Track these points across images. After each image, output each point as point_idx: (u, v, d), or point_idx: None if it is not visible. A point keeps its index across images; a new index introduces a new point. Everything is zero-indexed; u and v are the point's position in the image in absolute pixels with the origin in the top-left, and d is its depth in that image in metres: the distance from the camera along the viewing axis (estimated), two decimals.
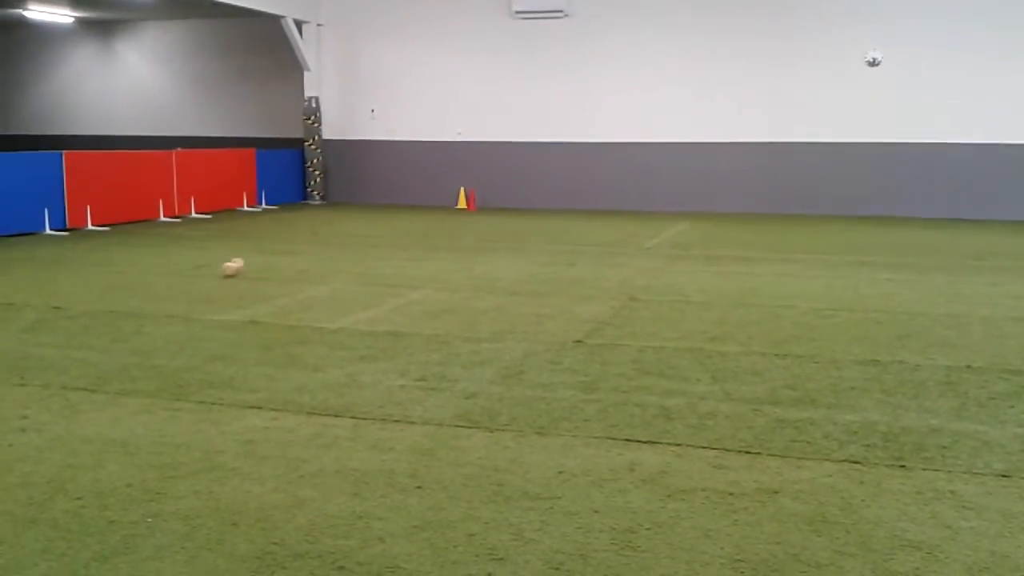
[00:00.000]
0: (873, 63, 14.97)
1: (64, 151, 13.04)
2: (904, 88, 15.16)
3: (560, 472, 3.73)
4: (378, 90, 18.07)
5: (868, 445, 4.06)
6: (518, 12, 16.85)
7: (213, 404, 4.67)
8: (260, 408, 4.61)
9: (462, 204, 17.41)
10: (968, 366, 5.44)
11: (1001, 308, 7.33)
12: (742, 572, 2.88)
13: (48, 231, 12.39)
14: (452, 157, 17.70)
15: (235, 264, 8.89)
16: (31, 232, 12.24)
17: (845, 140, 15.58)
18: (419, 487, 3.57)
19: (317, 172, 18.37)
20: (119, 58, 21.16)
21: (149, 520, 3.23)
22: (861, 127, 15.47)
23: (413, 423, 4.37)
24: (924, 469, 3.78)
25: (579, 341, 6.11)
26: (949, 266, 9.74)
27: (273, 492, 3.51)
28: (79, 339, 6.15)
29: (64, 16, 19.98)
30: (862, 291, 8.18)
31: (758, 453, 3.98)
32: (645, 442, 4.10)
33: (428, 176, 17.90)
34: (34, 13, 19.15)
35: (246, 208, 16.57)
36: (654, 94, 16.49)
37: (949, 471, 3.75)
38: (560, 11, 16.65)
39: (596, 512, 3.33)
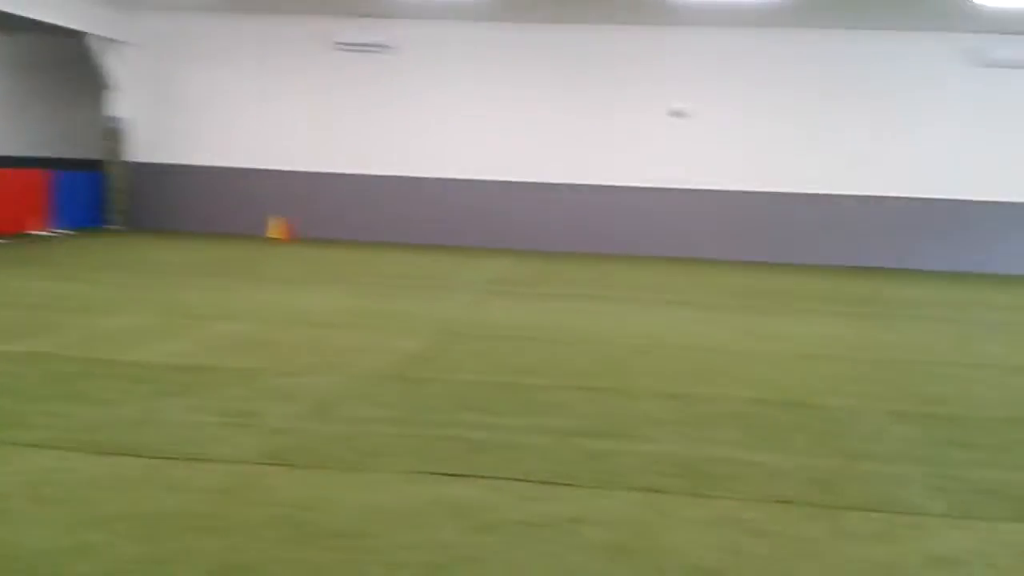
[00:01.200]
0: (679, 114, 15.86)
1: None
2: (706, 139, 16.18)
3: (369, 509, 3.67)
4: (193, 113, 17.38)
5: (665, 474, 4.25)
6: (340, 44, 16.75)
7: None
8: (45, 447, 4.27)
9: (275, 233, 16.96)
10: (757, 399, 5.81)
11: (789, 345, 7.90)
12: None
13: None
14: (269, 186, 17.23)
15: None
16: None
17: (658, 186, 16.39)
18: (217, 529, 3.41)
19: (120, 196, 17.38)
20: None
21: None
22: (673, 173, 16.34)
23: (214, 461, 4.18)
24: (716, 497, 3.99)
25: (394, 375, 6.07)
26: (746, 307, 10.41)
27: (59, 536, 3.26)
28: None
29: None
30: (669, 328, 8.60)
31: (565, 484, 4.08)
32: (456, 475, 4.11)
33: (243, 204, 17.32)
34: None
35: (37, 233, 15.41)
36: (472, 131, 16.75)
37: (739, 499, 3.98)
38: (383, 45, 16.69)
39: (405, 548, 3.30)
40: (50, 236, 15.29)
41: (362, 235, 17.04)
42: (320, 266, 12.88)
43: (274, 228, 16.96)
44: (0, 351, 6.29)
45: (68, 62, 17.91)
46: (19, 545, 3.17)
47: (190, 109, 17.38)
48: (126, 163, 17.35)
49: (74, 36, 16.10)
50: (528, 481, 4.09)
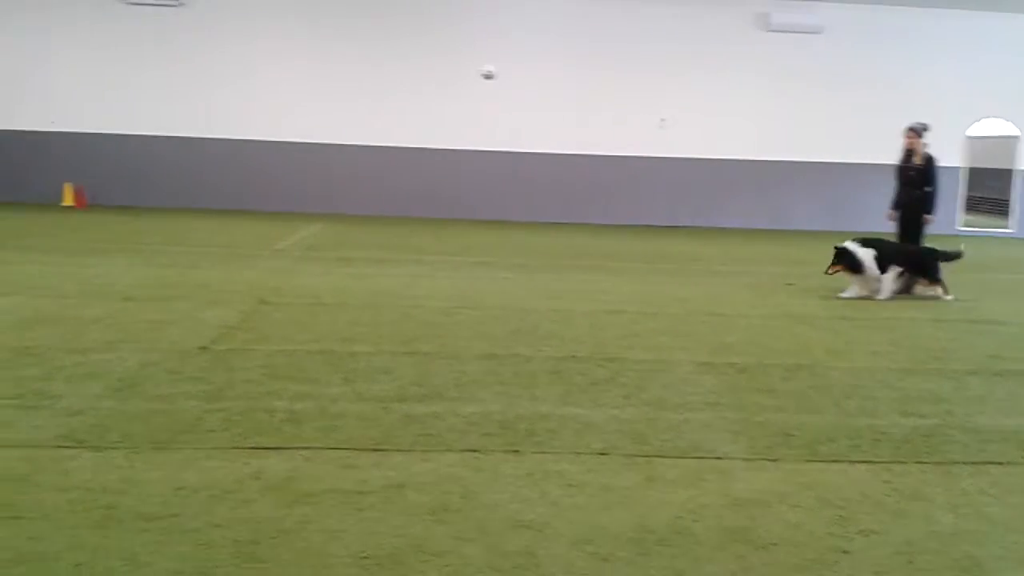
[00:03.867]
0: (488, 76, 15.95)
1: None
2: (517, 102, 16.36)
3: (179, 488, 3.51)
4: None
5: (486, 434, 4.31)
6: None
7: None
8: None
9: (68, 201, 15.78)
10: (572, 356, 5.99)
11: (599, 302, 8.18)
12: (367, 569, 2.92)
13: None
14: (54, 149, 15.97)
15: None
16: None
17: (466, 148, 16.45)
18: (14, 517, 3.17)
19: None
20: None
21: None
22: (477, 136, 16.43)
23: (6, 446, 3.87)
24: (534, 452, 4.10)
25: (204, 348, 5.81)
26: (557, 266, 10.68)
27: None
28: None
29: None
30: (483, 290, 8.69)
31: (386, 450, 4.06)
32: (272, 448, 4.00)
33: (24, 169, 15.99)
34: None
35: None
36: (271, 90, 16.15)
37: (556, 453, 4.10)
38: (172, 1, 15.77)
39: (218, 526, 3.18)
40: None
41: (162, 201, 16.14)
42: (118, 235, 12.10)
43: (68, 195, 15.76)
44: None
45: None
46: None
47: None
48: None
49: None
50: (348, 449, 4.04)
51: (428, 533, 3.20)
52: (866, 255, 8.89)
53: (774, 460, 4.15)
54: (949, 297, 9.01)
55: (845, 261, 8.93)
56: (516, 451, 4.10)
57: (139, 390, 4.82)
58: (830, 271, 9.07)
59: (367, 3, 16.24)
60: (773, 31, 16.41)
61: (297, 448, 4.02)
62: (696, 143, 16.70)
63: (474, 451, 4.08)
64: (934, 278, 9.12)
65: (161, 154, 16.18)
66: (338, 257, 10.69)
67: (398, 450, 4.06)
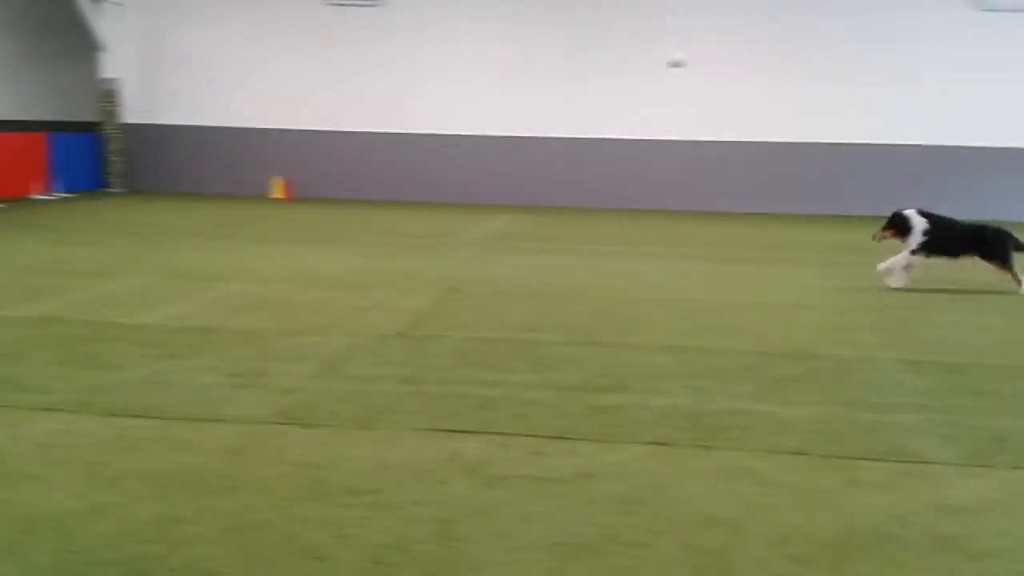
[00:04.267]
0: (677, 64, 15.69)
1: None
2: (706, 90, 16.02)
3: (381, 466, 3.69)
4: (184, 73, 17.20)
5: (675, 427, 4.26)
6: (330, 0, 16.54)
7: (4, 406, 4.30)
8: (56, 410, 4.28)
9: (277, 194, 16.90)
10: (762, 350, 5.81)
11: (789, 295, 7.89)
12: (559, 555, 2.95)
13: None
14: (266, 145, 17.13)
15: None
16: None
17: (662, 138, 16.27)
18: (232, 488, 3.43)
19: (117, 158, 17.28)
20: None
21: None
22: (673, 126, 16.21)
23: (225, 422, 4.20)
24: (726, 449, 4.01)
25: (401, 333, 6.07)
26: (744, 258, 10.37)
27: (72, 498, 3.27)
28: None
29: None
30: (672, 281, 8.58)
31: (574, 439, 4.09)
32: (466, 432, 4.13)
33: (240, 164, 17.25)
34: None
35: (38, 196, 15.35)
36: (470, 86, 16.61)
37: (748, 450, 3.99)
38: (373, 1, 16.49)
39: (417, 504, 3.32)
40: (50, 200, 15.23)
41: (362, 193, 16.98)
42: (322, 225, 12.84)
43: (275, 188, 16.88)
44: (9, 316, 6.29)
45: (59, 24, 17.66)
46: (32, 507, 3.18)
47: (182, 68, 17.20)
48: (122, 125, 17.22)
49: None
50: (537, 436, 4.11)
51: (619, 523, 3.21)
52: (920, 223, 8.09)
53: (987, 466, 3.87)
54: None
55: (897, 226, 8.21)
56: (707, 447, 4.03)
57: (343, 372, 5.10)
58: (878, 238, 8.38)
59: (554, 2, 16.36)
60: (987, 11, 15.23)
61: (489, 433, 4.12)
62: (912, 129, 15.72)
63: (663, 444, 4.04)
64: (1005, 264, 8.12)
65: (362, 149, 17.01)
66: (526, 248, 10.86)
67: (586, 439, 4.08)
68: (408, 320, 6.50)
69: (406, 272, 8.73)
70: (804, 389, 4.97)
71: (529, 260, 9.80)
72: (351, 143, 17.01)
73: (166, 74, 17.25)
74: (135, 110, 17.32)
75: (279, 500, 3.32)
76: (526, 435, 4.12)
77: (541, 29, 16.35)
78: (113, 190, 17.26)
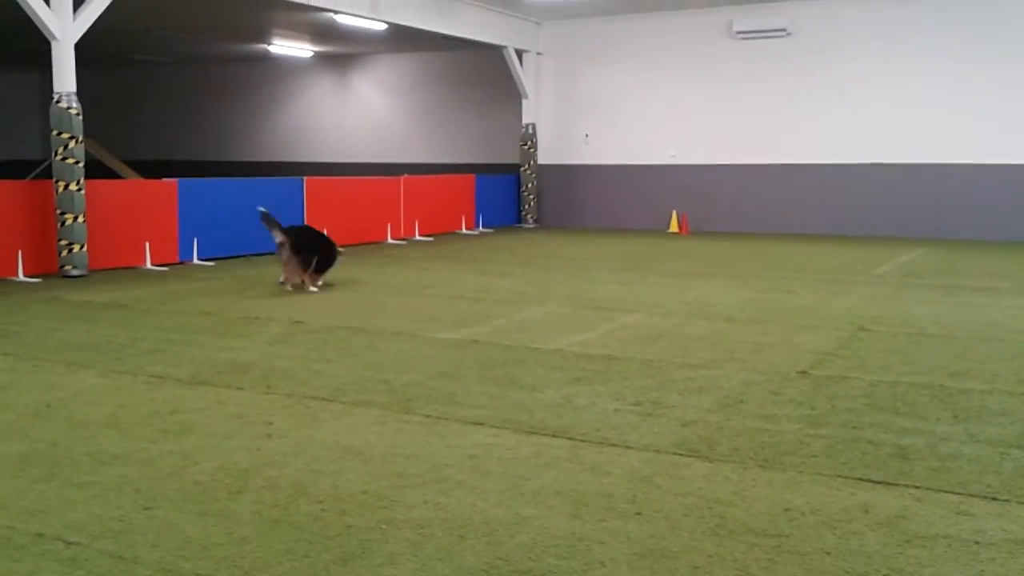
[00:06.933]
0: None
1: (305, 177, 14.10)
2: None
3: (786, 509, 3.59)
4: (593, 115, 18.30)
5: None
6: (739, 32, 16.55)
7: (439, 418, 4.87)
8: (482, 424, 4.75)
9: (674, 228, 17.24)
10: None
11: None
12: None
13: None
14: (665, 180, 17.59)
15: None
16: (272, 252, 13.27)
17: None
18: (638, 513, 3.54)
19: (531, 196, 18.84)
20: (353, 89, 22.64)
21: (383, 527, 3.41)
22: None
23: (630, 448, 4.36)
24: None
25: (803, 372, 5.87)
26: None
27: (496, 507, 3.60)
28: (318, 352, 6.60)
29: (304, 50, 21.64)
30: None
31: (1006, 500, 3.66)
32: (879, 483, 3.87)
33: (640, 200, 17.89)
34: (277, 48, 20.88)
35: (464, 231, 17.22)
36: (884, 114, 15.64)
37: None
38: (783, 30, 16.20)
39: (828, 554, 3.18)
40: (474, 234, 17.00)
41: (757, 227, 16.72)
42: (717, 259, 12.85)
43: (674, 222, 17.25)
44: (447, 338, 7.12)
45: (488, 75, 19.73)
46: (463, 513, 3.55)
47: (591, 112, 18.27)
48: (537, 166, 18.75)
49: (494, 49, 17.71)
50: (964, 494, 3.73)
51: None
52: None
53: None
54: None
55: None
56: None
57: (743, 408, 5.05)
58: None
59: (969, 15, 14.87)
60: None
61: (906, 486, 3.83)
62: None
63: None
64: None
65: (756, 182, 16.79)
66: (942, 284, 9.95)
67: (1021, 503, 3.62)
68: (811, 359, 6.26)
69: (806, 308, 8.43)
70: None
71: (947, 298, 8.96)
72: (749, 175, 16.86)
73: (577, 117, 18.48)
74: (546, 151, 18.76)
75: (683, 531, 3.37)
76: (949, 492, 3.76)
77: (953, 45, 14.94)
78: (525, 226, 18.81)
